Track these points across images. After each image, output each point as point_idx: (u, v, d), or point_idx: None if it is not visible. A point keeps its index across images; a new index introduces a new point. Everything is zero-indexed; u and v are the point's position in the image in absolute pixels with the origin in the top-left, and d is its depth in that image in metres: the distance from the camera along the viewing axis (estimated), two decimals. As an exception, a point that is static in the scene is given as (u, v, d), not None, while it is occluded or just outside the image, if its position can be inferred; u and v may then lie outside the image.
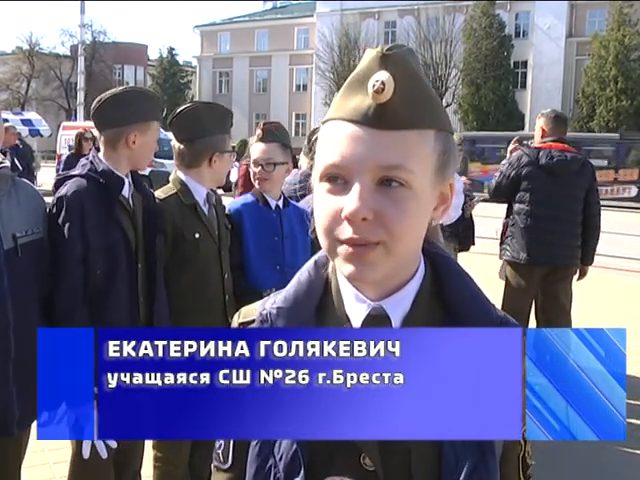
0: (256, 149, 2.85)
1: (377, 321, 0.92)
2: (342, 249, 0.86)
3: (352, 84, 0.87)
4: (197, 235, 2.62)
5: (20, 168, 8.63)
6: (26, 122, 21.03)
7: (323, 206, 0.87)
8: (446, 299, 0.95)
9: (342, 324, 0.94)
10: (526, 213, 4.51)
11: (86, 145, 9.10)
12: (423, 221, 0.89)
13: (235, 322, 1.04)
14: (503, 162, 4.79)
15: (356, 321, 0.93)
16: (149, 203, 2.47)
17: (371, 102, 0.84)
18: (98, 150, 2.41)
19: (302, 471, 0.90)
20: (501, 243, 4.76)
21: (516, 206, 4.57)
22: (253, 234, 2.84)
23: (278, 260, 2.82)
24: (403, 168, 0.84)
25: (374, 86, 0.83)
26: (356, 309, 0.93)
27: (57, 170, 12.09)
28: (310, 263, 0.99)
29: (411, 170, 0.84)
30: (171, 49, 54.07)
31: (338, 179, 0.86)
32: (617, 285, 8.44)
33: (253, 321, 1.00)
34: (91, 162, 2.33)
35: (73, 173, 2.32)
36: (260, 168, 2.83)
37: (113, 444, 2.18)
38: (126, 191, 2.37)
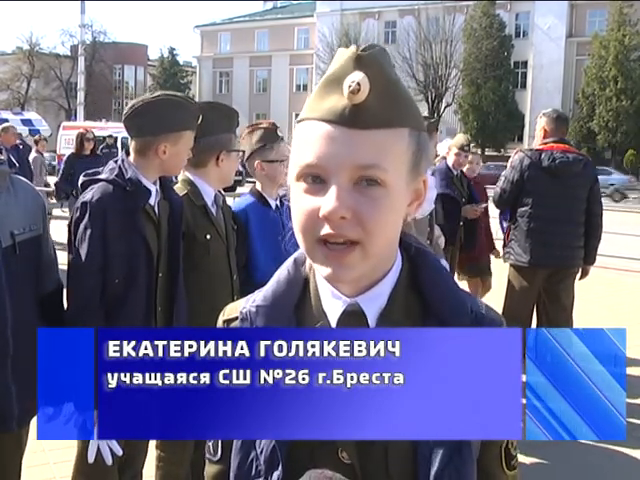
0: (284, 149, 2.86)
1: (352, 317, 0.93)
2: (320, 251, 0.87)
3: (327, 84, 0.88)
4: (208, 236, 2.61)
5: (17, 165, 8.61)
6: (26, 122, 21.00)
7: (300, 206, 0.88)
8: (422, 292, 0.96)
9: (319, 321, 0.94)
10: (529, 216, 4.50)
11: (87, 145, 9.10)
12: (398, 218, 0.91)
13: (220, 320, 1.06)
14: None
15: (332, 317, 0.94)
16: (176, 211, 2.43)
17: (346, 102, 0.85)
18: (128, 154, 2.36)
19: (280, 465, 0.92)
20: (504, 246, 4.75)
21: (519, 209, 4.55)
22: (259, 234, 2.84)
23: (283, 259, 2.81)
24: (378, 167, 0.85)
25: (350, 87, 0.84)
26: (332, 306, 0.94)
27: (58, 170, 12.09)
28: (290, 261, 1.02)
29: (386, 169, 0.86)
30: (172, 49, 54.22)
31: (315, 179, 0.87)
32: (617, 285, 8.43)
33: (236, 318, 1.02)
34: (119, 167, 2.28)
35: (100, 177, 2.27)
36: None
37: (119, 451, 2.17)
38: (152, 199, 2.33)
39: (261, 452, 0.94)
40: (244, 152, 2.85)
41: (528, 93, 39.87)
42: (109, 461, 2.16)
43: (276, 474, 0.92)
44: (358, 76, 0.84)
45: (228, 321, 1.04)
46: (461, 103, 39.06)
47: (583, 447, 3.82)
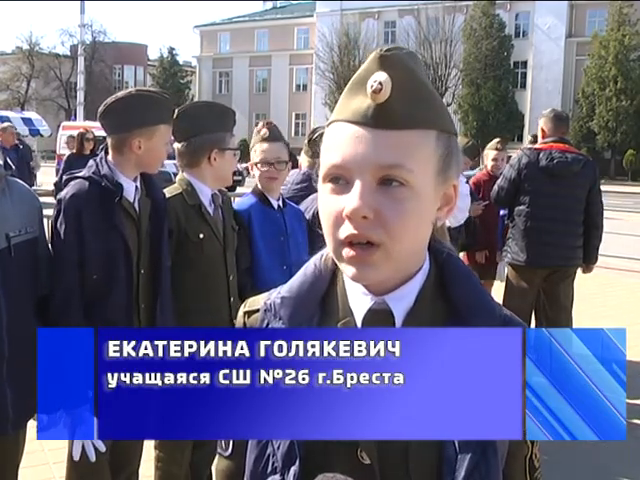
0: (264, 148, 2.84)
1: (380, 315, 0.92)
2: (345, 252, 0.87)
3: (353, 86, 0.89)
4: (201, 236, 2.60)
5: (13, 167, 8.60)
6: (26, 121, 21.01)
7: (326, 207, 0.88)
8: (450, 296, 0.95)
9: (345, 317, 0.94)
10: (526, 215, 4.50)
11: (87, 145, 9.10)
12: (424, 221, 0.89)
13: (241, 311, 1.05)
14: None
15: (359, 314, 0.93)
16: (158, 207, 2.43)
17: (370, 102, 0.85)
18: (107, 152, 2.37)
19: (297, 461, 0.91)
20: (503, 245, 4.76)
21: (516, 208, 4.56)
22: (261, 236, 2.82)
23: (285, 260, 2.80)
24: (403, 167, 0.84)
25: (372, 86, 0.84)
26: (360, 303, 0.93)
27: (57, 170, 12.08)
28: (317, 256, 1.00)
29: (411, 169, 0.85)
30: (171, 49, 54.14)
31: (340, 179, 0.87)
32: (617, 285, 8.43)
33: (257, 310, 1.01)
34: (96, 164, 2.30)
35: (77, 175, 2.29)
36: (271, 167, 2.83)
37: (102, 447, 2.18)
38: (131, 196, 2.33)
39: (278, 448, 0.93)
40: (241, 150, 2.84)
41: (528, 93, 39.87)
42: (92, 458, 2.16)
43: (293, 469, 0.91)
44: (381, 76, 0.84)
45: (249, 313, 1.03)
46: (461, 103, 39.05)
47: (584, 447, 3.82)
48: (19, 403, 2.03)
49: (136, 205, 2.35)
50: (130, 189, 2.33)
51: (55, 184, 9.67)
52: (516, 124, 38.63)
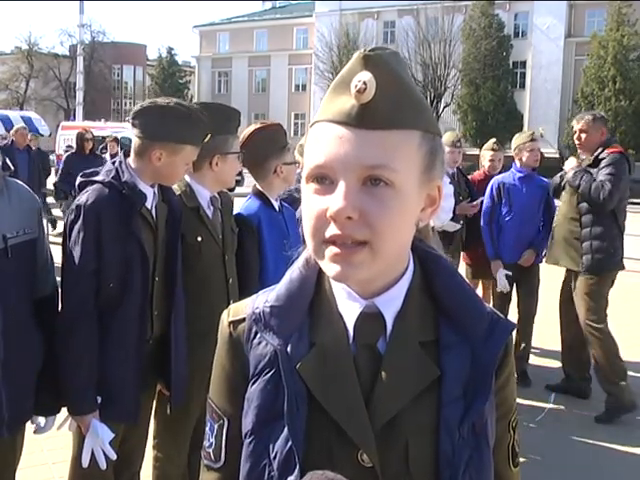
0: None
1: (370, 318, 0.92)
2: (328, 250, 0.86)
3: (337, 86, 0.88)
4: (199, 238, 2.56)
5: (12, 168, 8.53)
6: (26, 121, 20.95)
7: (310, 207, 0.87)
8: (436, 295, 0.95)
9: (335, 322, 0.93)
10: (613, 220, 4.40)
11: (86, 145, 9.10)
12: (409, 220, 0.89)
13: (225, 320, 1.03)
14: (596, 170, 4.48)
15: (349, 319, 0.93)
16: (174, 214, 2.39)
17: (354, 102, 0.84)
18: (126, 155, 2.32)
19: (297, 469, 0.89)
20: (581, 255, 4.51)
21: (606, 214, 4.38)
22: (270, 240, 2.79)
23: (289, 263, 2.76)
24: (387, 167, 0.84)
25: (356, 86, 0.83)
26: (349, 307, 0.93)
27: (56, 170, 12.02)
28: (301, 261, 0.99)
29: (395, 169, 0.84)
30: (170, 49, 54.08)
31: (324, 179, 0.86)
32: (617, 285, 8.39)
33: (244, 319, 0.99)
34: (116, 169, 2.24)
35: (96, 178, 2.24)
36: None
37: (113, 455, 2.16)
38: (149, 202, 2.29)
39: (274, 457, 0.91)
40: (244, 153, 2.78)
41: (527, 93, 39.86)
42: (103, 465, 2.15)
43: (290, 479, 0.89)
44: (364, 76, 0.83)
45: (235, 322, 1.00)
46: (460, 103, 39.00)
47: (583, 447, 3.83)
48: (14, 405, 2.01)
49: (153, 211, 2.31)
50: (148, 195, 2.29)
51: (55, 184, 9.64)
52: (515, 124, 38.47)
